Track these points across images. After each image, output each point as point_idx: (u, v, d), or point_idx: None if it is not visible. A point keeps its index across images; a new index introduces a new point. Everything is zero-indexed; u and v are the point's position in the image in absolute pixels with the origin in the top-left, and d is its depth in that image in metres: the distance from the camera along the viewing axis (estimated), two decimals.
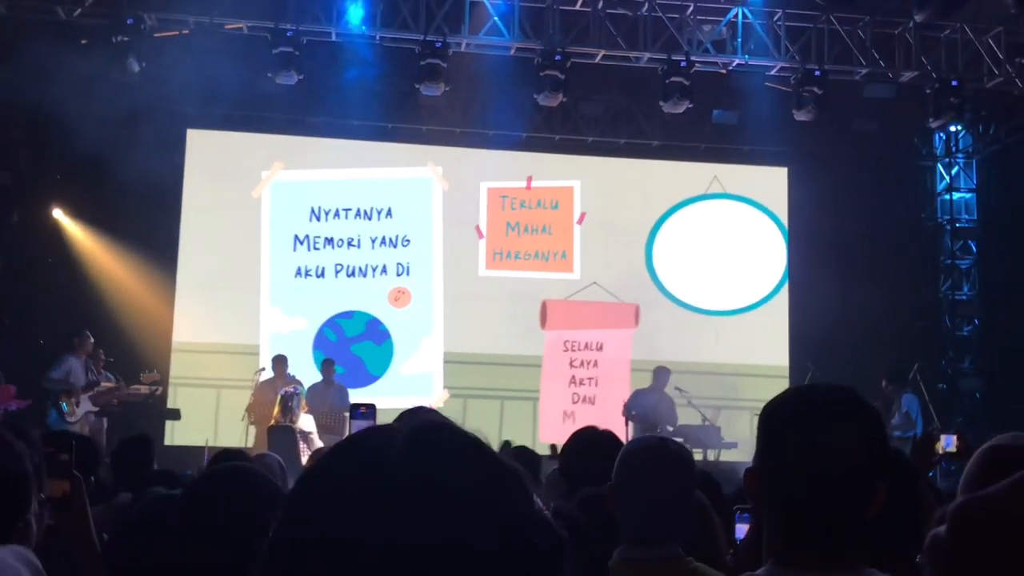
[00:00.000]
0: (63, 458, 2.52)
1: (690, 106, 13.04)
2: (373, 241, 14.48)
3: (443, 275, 14.50)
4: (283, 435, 10.61)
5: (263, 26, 12.51)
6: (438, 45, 12.53)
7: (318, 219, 14.43)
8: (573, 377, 14.45)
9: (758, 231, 15.20)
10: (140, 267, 13.46)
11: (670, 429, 12.39)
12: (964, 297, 15.40)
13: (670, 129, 14.53)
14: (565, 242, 14.82)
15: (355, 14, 12.59)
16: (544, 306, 14.47)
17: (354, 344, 14.18)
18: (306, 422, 11.07)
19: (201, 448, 11.68)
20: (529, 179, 14.81)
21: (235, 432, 12.61)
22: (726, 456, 12.43)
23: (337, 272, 14.38)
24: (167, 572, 2.12)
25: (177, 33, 12.69)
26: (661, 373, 12.69)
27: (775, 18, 13.29)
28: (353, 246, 14.44)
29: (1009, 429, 2.54)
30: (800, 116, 13.26)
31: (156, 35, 12.50)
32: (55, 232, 13.78)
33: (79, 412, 11.55)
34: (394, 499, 0.91)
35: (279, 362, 12.66)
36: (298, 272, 14.31)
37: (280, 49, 12.31)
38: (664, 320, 14.51)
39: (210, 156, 14.39)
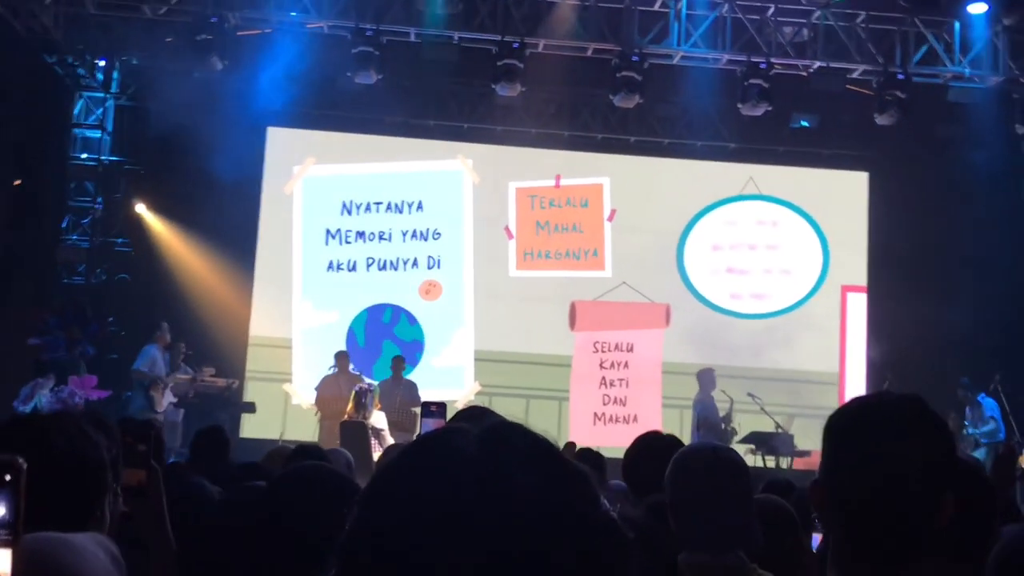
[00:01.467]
0: (140, 448, 2.55)
1: (769, 109, 12.89)
2: (404, 234, 14.51)
3: (473, 269, 14.47)
4: (355, 431, 10.68)
5: (344, 25, 12.64)
6: (515, 46, 12.55)
7: (349, 213, 14.51)
8: (603, 378, 14.31)
9: (793, 234, 14.94)
10: (220, 262, 13.68)
11: (736, 432, 12.30)
12: None
13: (747, 132, 14.35)
14: (596, 240, 14.69)
15: (433, 15, 12.65)
16: (573, 307, 14.35)
17: (388, 340, 14.18)
18: (378, 419, 11.13)
19: (274, 441, 11.83)
20: (558, 177, 14.71)
21: (307, 426, 12.78)
22: (799, 464, 12.25)
23: (369, 266, 14.46)
24: (251, 568, 2.14)
25: (259, 32, 12.89)
26: (705, 375, 12.52)
27: (857, 20, 13.07)
28: (384, 239, 14.49)
29: None
30: (882, 120, 13.02)
31: (239, 33, 12.69)
32: (137, 225, 14.07)
33: (165, 403, 11.78)
34: (466, 498, 0.93)
35: (342, 357, 12.82)
36: (330, 266, 14.41)
37: (360, 48, 12.43)
38: (695, 321, 14.38)
39: (289, 153, 14.59)
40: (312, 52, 12.81)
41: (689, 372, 13.70)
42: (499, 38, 12.62)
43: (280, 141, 14.58)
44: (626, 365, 14.35)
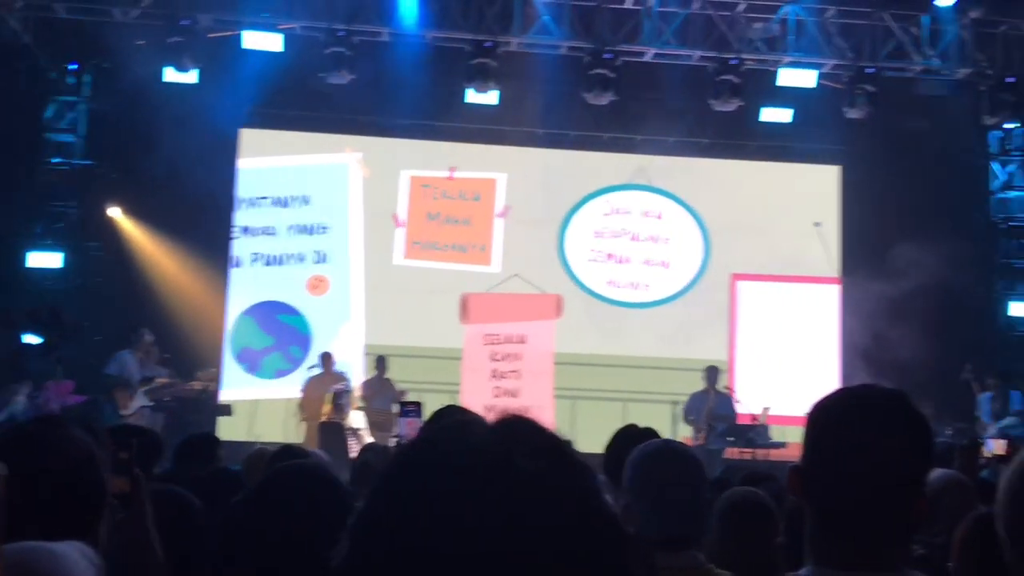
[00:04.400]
0: (123, 456, 2.54)
1: (741, 104, 12.97)
2: (290, 229, 14.40)
3: (363, 262, 14.37)
4: (333, 432, 10.70)
5: (316, 27, 12.62)
6: (488, 45, 12.57)
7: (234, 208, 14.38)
8: (495, 371, 14.27)
9: (676, 226, 15.00)
10: (195, 264, 13.64)
11: (724, 428, 12.36)
12: (1020, 297, 15.16)
13: (721, 127, 14.42)
14: (485, 235, 14.65)
15: (408, 14, 12.65)
16: (464, 299, 14.32)
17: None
18: (356, 419, 11.17)
19: (251, 443, 11.81)
20: (452, 169, 14.70)
21: (285, 428, 12.76)
22: (775, 456, 12.33)
23: (254, 261, 14.34)
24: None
25: (231, 34, 12.85)
26: (712, 372, 12.65)
27: (827, 15, 13.17)
28: (270, 234, 14.38)
29: None
30: (852, 114, 13.13)
31: (210, 36, 12.66)
32: (112, 230, 13.99)
33: (132, 407, 11.72)
34: (478, 486, 0.95)
35: (326, 359, 12.81)
36: None
37: (332, 49, 12.43)
38: (583, 311, 14.47)
39: (263, 155, 14.55)
40: (284, 53, 12.78)
41: (580, 363, 14.00)
42: (471, 37, 12.65)
43: (253, 142, 14.55)
44: (518, 357, 14.34)
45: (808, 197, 15.08)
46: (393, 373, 13.09)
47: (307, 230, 14.44)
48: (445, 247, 14.60)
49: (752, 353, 14.61)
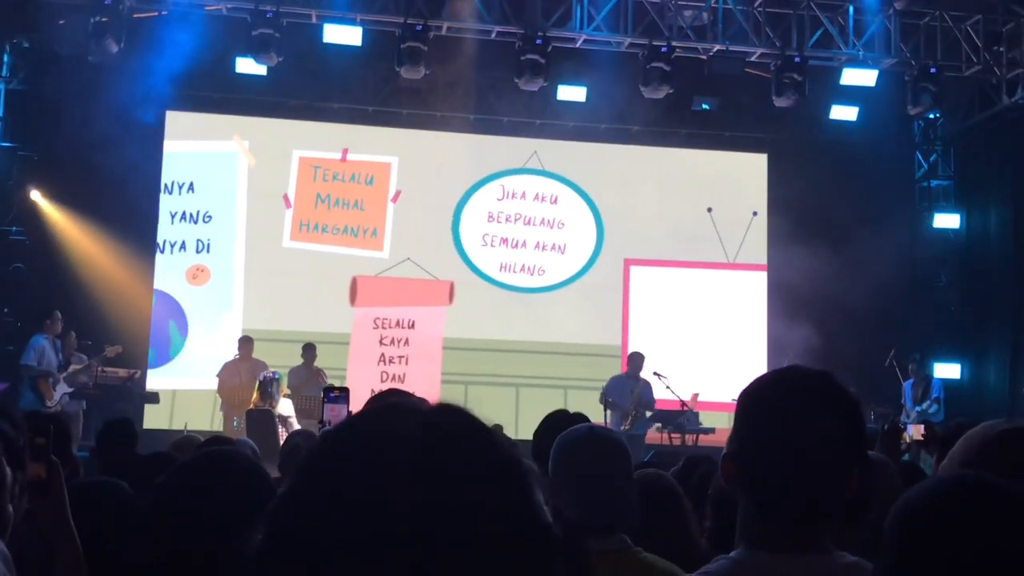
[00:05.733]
0: (40, 442, 2.49)
1: (670, 92, 13.04)
2: (173, 216, 14.13)
3: (245, 250, 14.13)
4: (262, 419, 10.57)
5: (243, 7, 12.43)
6: (419, 28, 12.49)
7: None
8: (382, 355, 14.21)
9: (567, 209, 15.09)
10: (120, 249, 13.37)
11: (648, 414, 12.40)
12: (943, 284, 15.48)
13: (652, 114, 14.49)
14: (377, 219, 14.52)
15: None
16: (354, 282, 14.22)
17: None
18: (285, 406, 11.05)
19: (180, 432, 11.64)
20: (344, 151, 14.58)
21: (205, 414, 12.62)
22: (704, 441, 12.46)
23: None
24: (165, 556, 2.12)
25: (156, 14, 12.61)
26: (636, 358, 12.65)
27: (755, 4, 13.29)
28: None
29: (986, 413, 2.53)
30: (780, 102, 13.28)
31: (135, 16, 12.41)
32: (32, 214, 13.67)
33: (56, 395, 11.50)
34: (398, 481, 0.92)
35: (245, 343, 12.65)
36: None
37: (259, 31, 12.25)
38: (477, 296, 14.49)
39: (189, 138, 14.30)
40: (210, 34, 12.57)
41: (473, 348, 14.01)
42: (402, 20, 12.55)
43: (179, 125, 14.28)
44: (406, 342, 14.28)
45: (735, 184, 15.23)
46: (280, 358, 12.60)
47: (191, 218, 14.13)
48: (335, 230, 14.38)
49: (647, 338, 14.46)
